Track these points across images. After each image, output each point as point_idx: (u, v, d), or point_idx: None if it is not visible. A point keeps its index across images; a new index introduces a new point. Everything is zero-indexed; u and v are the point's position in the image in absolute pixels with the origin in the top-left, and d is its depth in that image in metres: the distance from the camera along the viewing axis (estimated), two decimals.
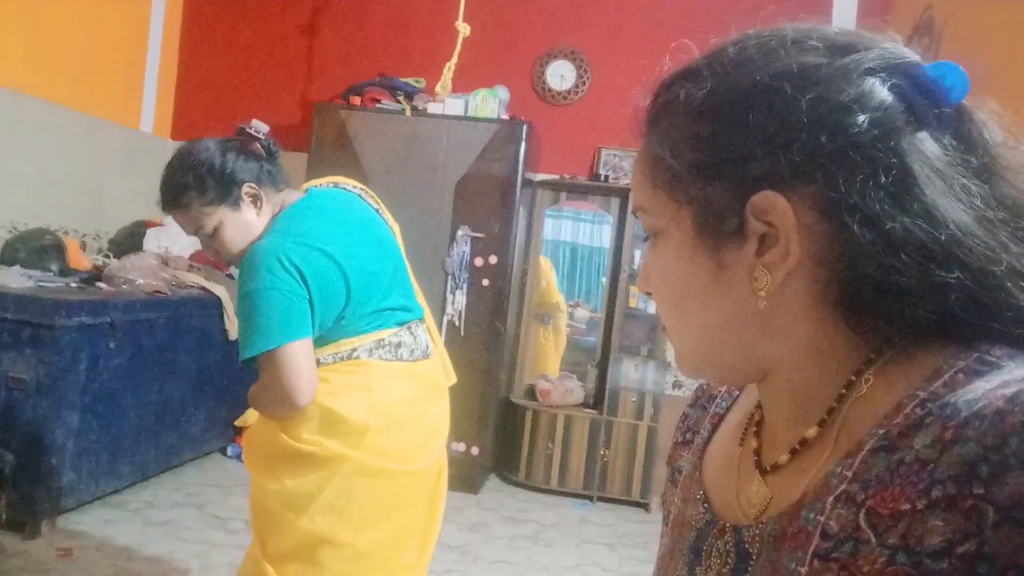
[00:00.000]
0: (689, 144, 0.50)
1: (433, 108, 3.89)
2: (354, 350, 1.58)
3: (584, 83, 4.25)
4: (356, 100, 4.00)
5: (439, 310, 3.81)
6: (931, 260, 0.44)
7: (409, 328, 1.67)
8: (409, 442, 1.62)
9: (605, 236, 4.26)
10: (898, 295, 0.45)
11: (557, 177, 4.18)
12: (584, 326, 4.29)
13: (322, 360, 1.56)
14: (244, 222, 1.54)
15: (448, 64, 3.06)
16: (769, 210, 0.47)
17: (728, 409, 0.64)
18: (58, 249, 3.26)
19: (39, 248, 3.18)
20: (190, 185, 1.51)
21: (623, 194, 4.08)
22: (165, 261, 3.57)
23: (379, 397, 1.56)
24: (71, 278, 3.15)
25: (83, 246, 3.67)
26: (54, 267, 3.18)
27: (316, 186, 1.73)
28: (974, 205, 0.45)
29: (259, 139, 1.59)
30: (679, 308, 0.54)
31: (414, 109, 3.90)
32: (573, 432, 3.88)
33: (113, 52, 4.00)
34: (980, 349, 0.44)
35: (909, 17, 3.69)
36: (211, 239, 1.55)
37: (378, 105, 3.96)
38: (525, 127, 3.80)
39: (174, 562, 2.71)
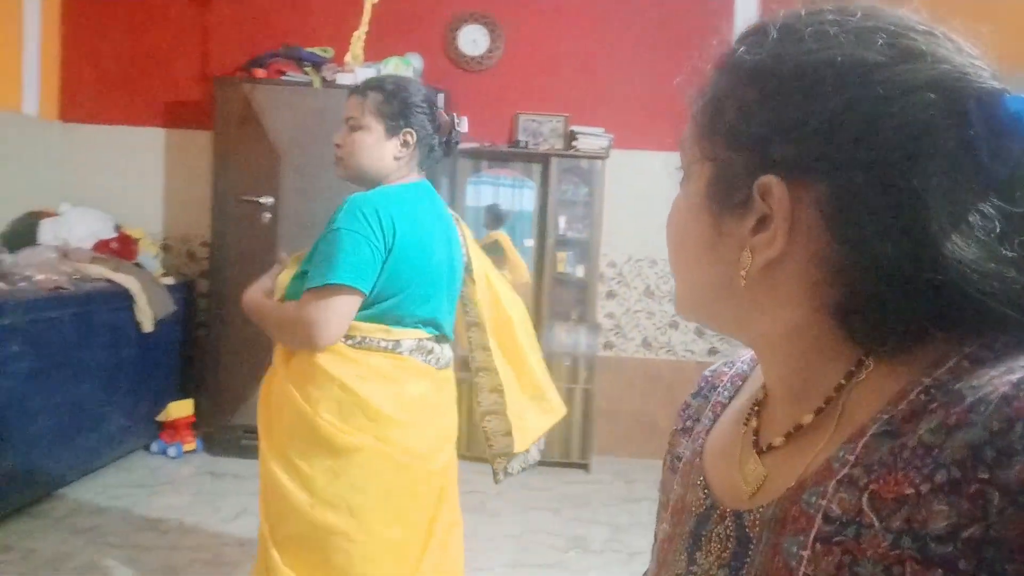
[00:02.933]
0: (731, 104, 0.50)
1: (343, 79, 3.74)
2: (399, 343, 1.65)
3: (498, 48, 4.18)
4: (260, 73, 3.80)
5: None
6: (920, 288, 0.43)
7: (440, 340, 1.76)
8: (430, 440, 1.71)
9: (527, 200, 4.23)
10: (887, 311, 0.45)
11: (477, 145, 4.11)
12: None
13: (368, 341, 1.62)
14: (381, 148, 1.66)
15: (357, 33, 2.94)
16: (770, 194, 0.47)
17: (731, 398, 0.64)
18: None
19: None
20: (385, 89, 1.67)
21: (544, 160, 4.06)
22: (65, 254, 3.33)
23: (409, 392, 1.65)
24: None
25: None
26: None
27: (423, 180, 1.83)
28: (992, 234, 0.43)
29: (452, 128, 1.78)
30: (678, 253, 0.56)
31: (323, 81, 3.74)
32: None
33: None
34: (986, 337, 0.44)
35: None
36: (349, 136, 1.67)
37: (283, 77, 3.78)
38: (441, 96, 3.70)
39: (105, 569, 2.58)
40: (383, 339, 1.64)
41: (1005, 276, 0.43)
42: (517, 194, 4.30)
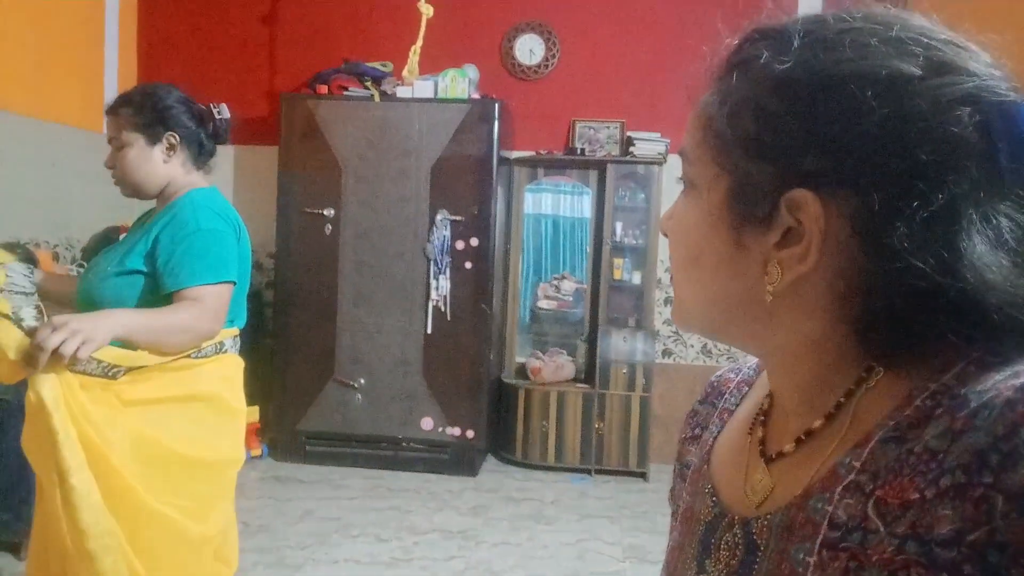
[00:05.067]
0: (751, 113, 0.48)
1: (402, 92, 3.82)
2: (222, 344, 1.68)
3: (554, 56, 4.19)
4: (323, 89, 3.92)
5: (423, 296, 3.78)
6: (942, 299, 0.43)
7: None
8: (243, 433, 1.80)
9: (586, 206, 4.23)
10: (908, 322, 0.44)
11: (533, 153, 4.13)
12: (571, 298, 4.28)
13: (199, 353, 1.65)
14: (150, 159, 1.69)
15: (413, 47, 3.00)
16: (802, 209, 0.46)
17: (737, 405, 0.63)
18: (30, 262, 3.18)
19: None
20: (133, 102, 1.69)
21: (600, 166, 4.05)
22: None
23: (239, 388, 1.72)
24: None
25: (55, 257, 3.59)
26: None
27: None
28: (1014, 244, 0.44)
29: (215, 117, 1.77)
30: (689, 268, 0.53)
31: (383, 94, 3.83)
32: (567, 408, 3.89)
33: (68, 54, 3.88)
34: (992, 342, 0.44)
35: None
36: (116, 154, 1.69)
37: (346, 92, 3.89)
38: (497, 105, 3.75)
39: None
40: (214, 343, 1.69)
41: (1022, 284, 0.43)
42: (574, 201, 4.30)
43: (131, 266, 1.63)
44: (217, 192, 1.76)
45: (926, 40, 0.45)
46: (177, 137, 1.70)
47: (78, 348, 1.34)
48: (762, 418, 0.56)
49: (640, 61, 4.13)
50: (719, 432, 0.63)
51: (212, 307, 1.59)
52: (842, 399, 0.48)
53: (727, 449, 0.60)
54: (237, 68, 4.34)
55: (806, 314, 0.48)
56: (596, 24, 4.17)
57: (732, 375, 0.66)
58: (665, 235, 0.57)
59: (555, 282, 4.31)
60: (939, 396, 0.43)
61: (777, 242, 0.47)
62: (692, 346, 4.20)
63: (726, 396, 0.65)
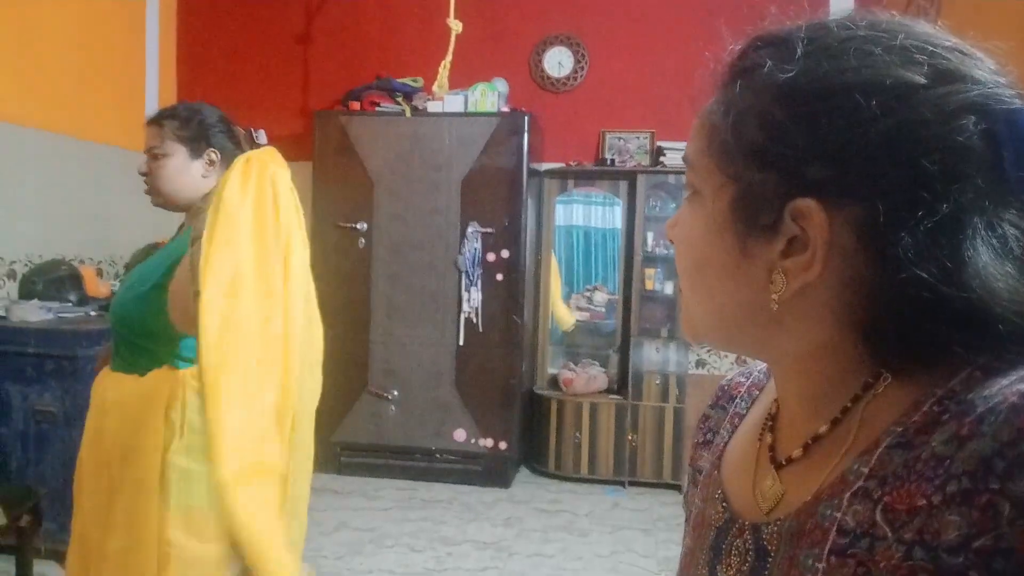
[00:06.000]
0: (756, 122, 0.48)
1: (433, 107, 3.87)
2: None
3: (582, 68, 4.21)
4: (355, 105, 3.99)
5: (455, 308, 3.80)
6: (948, 307, 0.43)
7: None
8: None
9: (617, 217, 4.23)
10: (914, 329, 0.45)
11: (563, 165, 4.15)
12: (603, 309, 4.27)
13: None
14: (189, 171, 1.71)
15: (443, 63, 3.04)
16: (807, 219, 0.45)
17: (748, 409, 0.63)
18: (74, 279, 3.29)
19: (55, 279, 3.21)
20: (179, 115, 1.72)
21: (631, 177, 4.05)
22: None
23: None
24: (90, 307, 3.18)
25: (99, 273, 3.70)
26: (72, 297, 3.20)
27: None
28: (1018, 251, 0.44)
29: (252, 142, 1.83)
30: (695, 276, 0.53)
31: (414, 109, 3.89)
32: (599, 419, 3.87)
33: (110, 76, 4.01)
34: (999, 349, 0.44)
35: None
36: (154, 164, 1.70)
37: (378, 108, 3.95)
38: (527, 118, 3.77)
39: None
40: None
41: None
42: (604, 212, 4.30)
43: (150, 287, 1.64)
44: None
45: (931, 48, 0.45)
46: (217, 155, 1.74)
47: None
48: (771, 423, 0.56)
49: (669, 70, 4.12)
50: (730, 437, 0.62)
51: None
52: (848, 404, 0.48)
53: (738, 454, 0.60)
54: (272, 86, 4.44)
55: (813, 322, 0.48)
56: (624, 35, 4.18)
57: (742, 379, 0.66)
58: (671, 242, 0.57)
59: (587, 293, 4.31)
60: (946, 402, 0.43)
61: (782, 250, 0.47)
62: (726, 356, 4.15)
63: (736, 400, 0.65)
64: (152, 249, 3.75)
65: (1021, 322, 0.43)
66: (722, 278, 0.51)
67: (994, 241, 0.43)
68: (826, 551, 0.44)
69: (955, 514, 0.38)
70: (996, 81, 0.45)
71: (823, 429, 0.49)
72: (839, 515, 0.44)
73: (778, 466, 0.53)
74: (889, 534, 0.41)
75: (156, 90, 4.29)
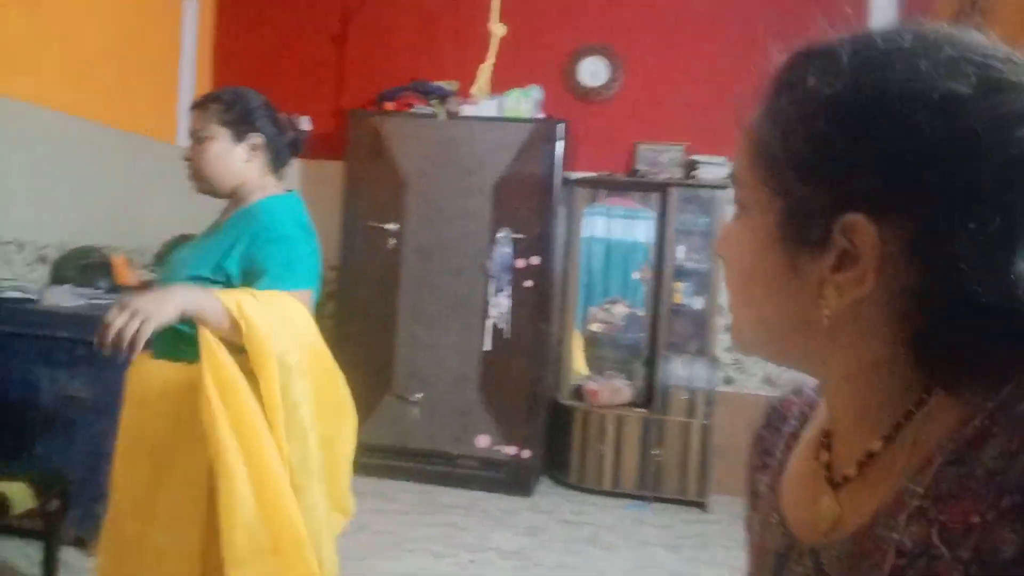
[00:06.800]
0: (801, 136, 0.47)
1: (467, 110, 3.86)
2: None
3: (617, 78, 4.19)
4: (389, 106, 3.98)
5: (482, 313, 3.77)
6: (1001, 317, 0.43)
7: None
8: None
9: (638, 231, 4.18)
10: (968, 341, 0.44)
11: (595, 175, 4.12)
12: (623, 323, 4.22)
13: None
14: (231, 155, 1.69)
15: (483, 66, 3.02)
16: (858, 233, 0.45)
17: (801, 428, 0.61)
18: (105, 266, 3.27)
19: (87, 266, 3.19)
20: (223, 99, 1.71)
21: (663, 189, 4.01)
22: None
23: None
24: (120, 294, 3.15)
25: (130, 262, 3.68)
26: (103, 284, 3.18)
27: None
28: None
29: (295, 128, 1.81)
30: (745, 290, 0.53)
31: (448, 113, 3.87)
32: (624, 432, 3.82)
33: (147, 67, 4.02)
34: None
35: None
36: (198, 147, 1.69)
37: (411, 109, 3.94)
38: (561, 125, 3.75)
39: None
40: None
41: None
42: (633, 225, 4.26)
43: (202, 273, 1.60)
44: (295, 198, 1.77)
45: (979, 59, 0.44)
46: (261, 139, 1.71)
47: (140, 327, 1.33)
48: (826, 441, 0.55)
49: (704, 84, 4.10)
50: (785, 459, 0.61)
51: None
52: (901, 420, 0.48)
53: (794, 476, 0.59)
54: (307, 83, 4.44)
55: (864, 336, 0.48)
56: (660, 46, 4.17)
57: (794, 397, 0.65)
58: (718, 256, 0.57)
59: (607, 306, 4.26)
60: (996, 415, 0.43)
61: (832, 265, 0.46)
62: (754, 375, 4.10)
63: (789, 420, 0.63)
64: (182, 240, 3.75)
65: None
66: (772, 293, 0.50)
67: None
68: (885, 573, 0.44)
69: (1009, 529, 0.38)
70: None
71: (877, 447, 0.49)
72: (897, 536, 0.44)
73: (834, 485, 0.52)
74: (946, 553, 0.41)
75: (192, 82, 4.29)
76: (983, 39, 0.46)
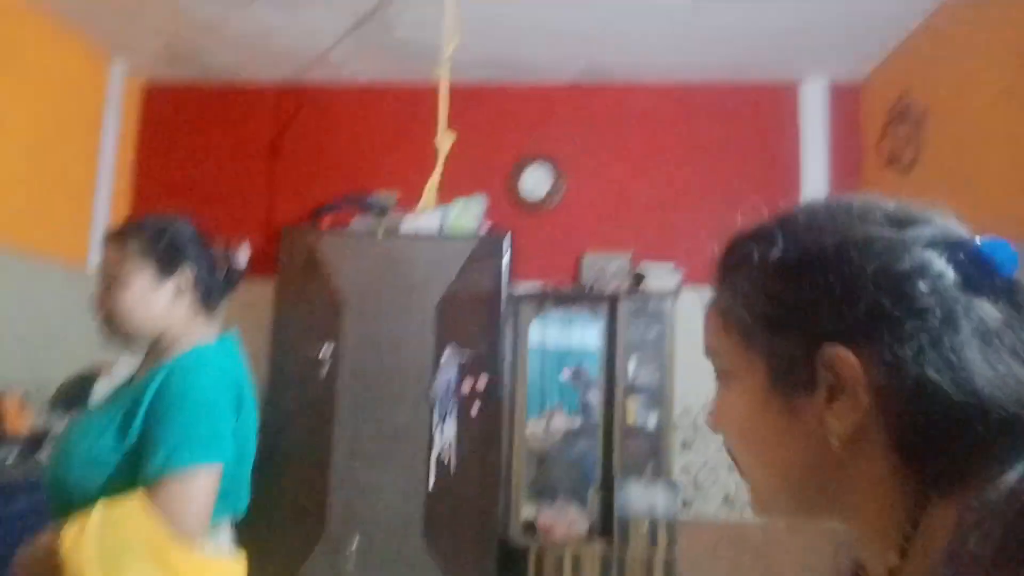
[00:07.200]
0: (762, 298, 0.55)
1: (408, 225, 3.67)
2: (219, 541, 1.41)
3: (561, 188, 4.09)
4: (326, 221, 3.76)
5: (426, 447, 3.46)
6: (973, 415, 0.49)
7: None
8: None
9: (586, 338, 3.99)
10: (945, 444, 0.50)
11: (541, 286, 3.95)
12: (560, 436, 3.94)
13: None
14: (154, 297, 1.45)
15: (430, 182, 2.85)
16: (835, 363, 0.51)
17: None
18: None
19: None
20: (146, 230, 1.47)
21: (611, 301, 3.86)
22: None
23: None
24: (7, 448, 2.76)
25: (23, 403, 3.27)
26: None
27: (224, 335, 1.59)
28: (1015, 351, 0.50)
29: (231, 261, 1.58)
30: (752, 450, 0.58)
31: (387, 228, 3.67)
32: (583, 571, 3.51)
33: (59, 186, 3.71)
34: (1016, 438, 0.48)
35: (880, 107, 3.65)
36: (112, 287, 1.44)
37: (349, 226, 3.73)
38: (507, 239, 3.59)
39: None
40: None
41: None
42: (582, 331, 4.06)
43: (103, 446, 1.33)
44: (228, 345, 1.50)
45: (881, 209, 0.55)
46: (191, 277, 1.47)
47: None
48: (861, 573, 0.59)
49: (648, 191, 4.06)
50: None
51: (194, 497, 1.28)
52: (911, 531, 0.51)
53: None
54: (237, 200, 4.20)
55: (866, 455, 0.52)
56: (602, 157, 4.12)
57: (849, 562, 0.67)
58: (716, 431, 0.61)
59: (543, 419, 4.01)
60: (979, 509, 0.46)
61: (825, 398, 0.52)
62: (713, 497, 3.88)
63: None
64: (88, 381, 3.38)
65: (1013, 409, 0.49)
66: (780, 442, 0.55)
67: (993, 345, 0.50)
68: None
69: None
70: (946, 222, 0.55)
71: (894, 561, 0.52)
72: None
73: None
74: None
75: (107, 203, 3.98)
76: (874, 197, 0.57)
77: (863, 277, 0.51)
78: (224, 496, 1.37)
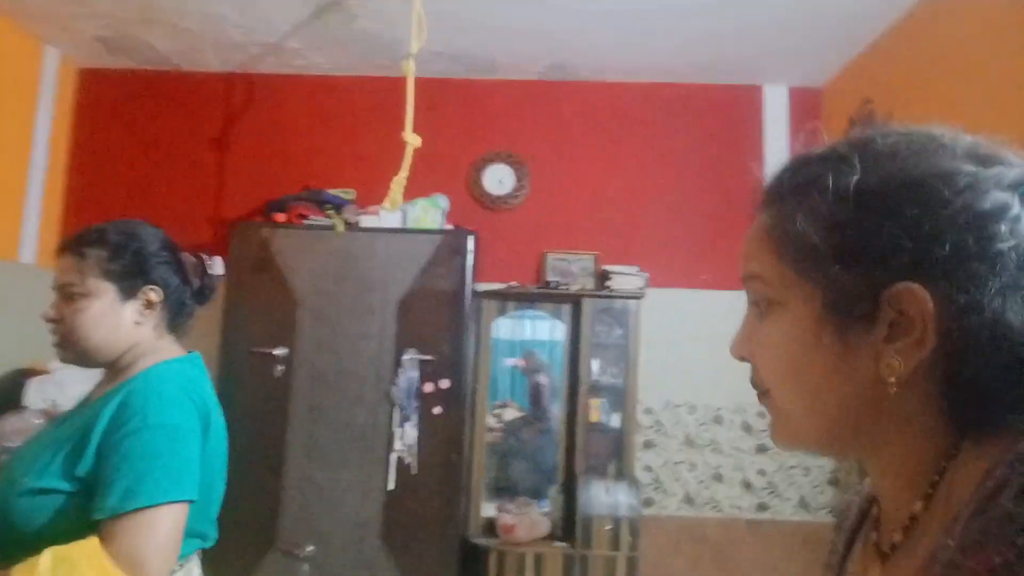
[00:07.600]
0: (832, 226, 0.52)
1: (367, 221, 3.55)
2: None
3: (524, 186, 4.03)
4: (280, 216, 3.60)
5: (385, 447, 3.36)
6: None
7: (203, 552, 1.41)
8: None
9: (549, 333, 3.95)
10: (995, 395, 0.49)
11: (504, 286, 3.88)
12: (508, 428, 3.91)
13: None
14: (117, 317, 1.30)
15: (397, 178, 2.75)
16: (905, 301, 0.50)
17: (861, 521, 0.64)
18: None
19: None
20: (107, 242, 1.31)
21: (575, 301, 3.82)
22: (52, 418, 2.98)
23: None
24: None
25: None
26: None
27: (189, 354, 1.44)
28: None
29: (205, 272, 1.44)
30: (793, 381, 0.55)
31: (346, 224, 3.54)
32: (546, 570, 3.46)
33: None
34: None
35: (841, 112, 3.71)
36: (69, 306, 1.29)
37: (305, 221, 3.59)
38: (471, 237, 3.51)
39: None
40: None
41: None
42: (544, 326, 4.02)
43: (50, 479, 1.17)
44: (193, 364, 1.35)
45: (964, 143, 0.53)
46: (159, 293, 1.33)
47: None
48: (876, 520, 0.59)
49: (614, 191, 4.03)
50: (845, 553, 0.64)
51: (156, 539, 1.12)
52: (936, 477, 0.51)
53: (857, 564, 0.61)
54: (182, 192, 3.99)
55: (916, 397, 0.51)
56: (566, 156, 4.07)
57: (855, 497, 0.68)
58: (742, 360, 0.59)
59: (497, 410, 3.96)
60: (1015, 465, 0.46)
61: (885, 336, 0.51)
62: (674, 495, 3.88)
63: (849, 516, 0.66)
64: (18, 378, 3.14)
65: None
66: (827, 376, 0.53)
67: None
68: None
69: None
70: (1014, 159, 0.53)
71: (918, 508, 0.52)
72: None
73: (884, 557, 0.55)
74: None
75: (40, 191, 3.73)
76: (952, 130, 0.54)
77: (948, 212, 0.49)
78: (191, 530, 1.22)
